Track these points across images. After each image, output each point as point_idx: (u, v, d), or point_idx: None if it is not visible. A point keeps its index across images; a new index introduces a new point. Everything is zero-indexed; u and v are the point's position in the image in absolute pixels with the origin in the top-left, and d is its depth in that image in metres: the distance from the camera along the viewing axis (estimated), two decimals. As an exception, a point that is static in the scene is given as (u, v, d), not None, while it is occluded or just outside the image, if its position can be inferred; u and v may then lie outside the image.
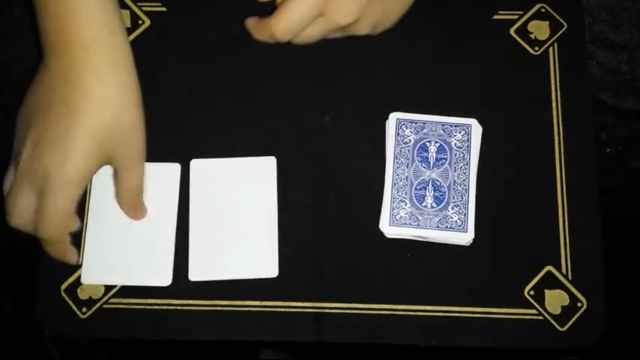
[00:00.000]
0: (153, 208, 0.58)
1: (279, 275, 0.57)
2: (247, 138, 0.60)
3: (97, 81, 0.50)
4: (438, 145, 0.56)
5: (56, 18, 0.49)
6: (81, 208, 0.58)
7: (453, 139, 0.57)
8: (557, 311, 0.56)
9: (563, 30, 0.63)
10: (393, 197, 0.56)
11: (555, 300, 0.57)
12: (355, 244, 0.58)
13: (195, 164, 0.59)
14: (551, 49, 0.62)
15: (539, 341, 0.56)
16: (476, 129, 0.57)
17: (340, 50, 0.61)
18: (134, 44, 0.62)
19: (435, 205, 0.56)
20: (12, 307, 0.61)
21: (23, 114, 0.54)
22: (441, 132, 0.57)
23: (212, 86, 0.62)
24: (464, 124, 0.57)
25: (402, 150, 0.57)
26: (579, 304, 0.57)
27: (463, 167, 0.56)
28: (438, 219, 0.55)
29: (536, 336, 0.56)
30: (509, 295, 0.57)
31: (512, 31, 0.63)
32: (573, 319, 0.56)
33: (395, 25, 0.59)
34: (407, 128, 0.57)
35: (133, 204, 0.56)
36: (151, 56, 0.62)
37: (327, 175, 0.59)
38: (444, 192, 0.56)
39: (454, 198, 0.56)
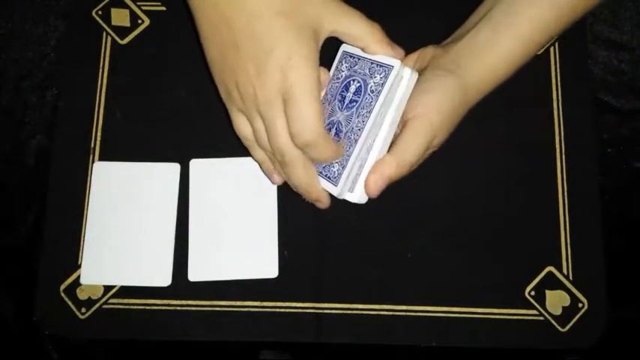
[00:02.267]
0: (152, 208, 0.58)
1: (278, 276, 0.57)
2: (247, 138, 0.60)
3: None
4: (358, 85, 0.48)
5: None
6: (80, 209, 0.58)
7: (371, 80, 0.47)
8: (558, 312, 0.56)
9: (563, 29, 0.63)
10: None
11: (556, 300, 0.56)
12: (355, 244, 0.58)
13: (195, 164, 0.59)
14: (552, 48, 0.62)
15: (540, 342, 0.56)
16: (397, 73, 0.46)
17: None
18: (134, 44, 0.63)
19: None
20: (12, 307, 0.60)
21: (218, 66, 0.49)
22: (367, 71, 0.48)
23: (212, 86, 0.62)
24: (385, 65, 0.47)
25: (333, 86, 0.50)
26: (580, 305, 0.56)
27: (365, 114, 0.47)
28: (322, 165, 0.49)
29: (537, 336, 0.56)
30: (509, 296, 0.57)
31: (512, 31, 0.63)
32: (574, 320, 0.56)
33: (395, 25, 0.59)
34: (345, 63, 0.50)
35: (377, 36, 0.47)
36: (151, 55, 0.62)
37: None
38: (340, 138, 0.48)
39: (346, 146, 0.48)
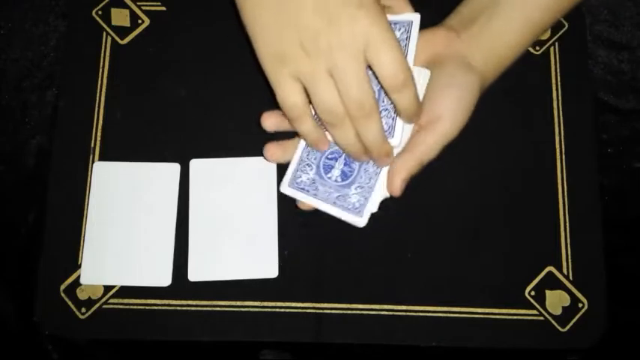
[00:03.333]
0: (152, 208, 0.58)
1: (278, 276, 0.57)
2: (247, 138, 0.60)
3: None
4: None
5: None
6: (80, 209, 0.58)
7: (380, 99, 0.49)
8: (558, 312, 0.56)
9: (564, 30, 0.63)
10: (301, 159, 0.51)
11: (556, 300, 0.56)
12: (355, 244, 0.58)
13: (195, 164, 0.59)
14: (552, 48, 0.62)
15: (540, 342, 0.56)
16: (417, 25, 0.48)
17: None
18: (133, 44, 0.63)
19: (339, 180, 0.50)
20: (12, 307, 0.60)
21: (271, 31, 0.46)
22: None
23: (212, 86, 0.62)
24: (405, 22, 0.48)
25: None
26: (580, 305, 0.56)
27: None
28: (337, 194, 0.50)
29: (537, 337, 0.56)
30: (509, 296, 0.57)
31: (512, 31, 0.63)
32: (574, 320, 0.56)
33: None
34: None
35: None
36: (151, 55, 0.62)
37: (327, 175, 0.59)
38: (354, 169, 0.50)
39: (361, 178, 0.50)
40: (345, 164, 0.50)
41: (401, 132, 0.48)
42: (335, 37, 0.44)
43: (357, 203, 0.49)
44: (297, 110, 0.47)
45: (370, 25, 0.43)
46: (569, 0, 0.52)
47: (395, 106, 0.47)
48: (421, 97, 0.49)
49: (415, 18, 0.48)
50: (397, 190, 0.50)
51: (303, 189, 0.51)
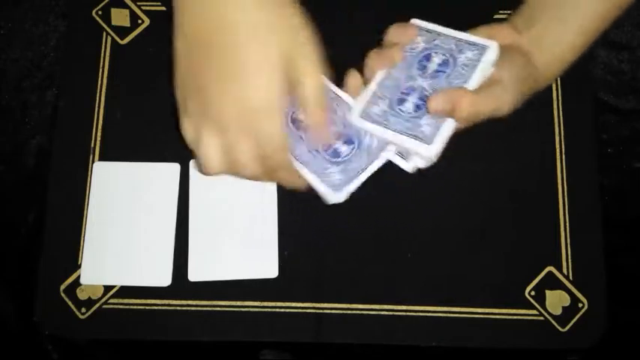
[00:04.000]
0: (152, 208, 0.58)
1: (278, 276, 0.57)
2: (247, 138, 0.60)
3: (247, 12, 0.45)
4: (443, 58, 0.51)
5: None
6: (81, 209, 0.58)
7: (462, 55, 0.51)
8: (558, 312, 0.56)
9: (564, 29, 0.63)
10: (373, 92, 0.51)
11: (556, 300, 0.56)
12: (355, 244, 0.58)
13: (195, 164, 0.59)
14: (551, 48, 0.62)
15: (540, 342, 0.56)
16: (492, 52, 0.50)
17: (340, 50, 0.61)
18: (133, 44, 0.63)
19: (411, 111, 0.50)
20: (12, 307, 0.60)
21: (182, 78, 0.50)
22: (452, 46, 0.51)
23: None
24: (480, 44, 0.51)
25: (406, 55, 0.52)
26: (580, 305, 0.56)
27: (459, 84, 0.50)
28: (408, 124, 0.50)
29: (537, 337, 0.56)
30: (509, 296, 0.57)
31: (512, 31, 0.63)
32: (574, 320, 0.56)
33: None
34: (421, 36, 0.53)
35: (315, 117, 0.49)
36: (151, 55, 0.62)
37: (327, 175, 0.59)
38: (425, 102, 0.50)
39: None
40: (418, 98, 0.50)
41: (441, 142, 0.49)
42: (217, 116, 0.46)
43: (429, 133, 0.49)
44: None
45: (250, 111, 0.45)
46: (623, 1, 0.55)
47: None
48: (483, 65, 0.50)
49: (493, 45, 0.50)
50: (434, 104, 0.49)
51: (374, 120, 0.50)
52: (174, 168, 0.59)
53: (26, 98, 0.63)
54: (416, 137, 0.49)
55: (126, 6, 0.64)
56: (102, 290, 0.57)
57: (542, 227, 0.58)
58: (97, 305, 0.56)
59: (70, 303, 0.56)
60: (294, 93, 0.47)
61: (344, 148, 0.51)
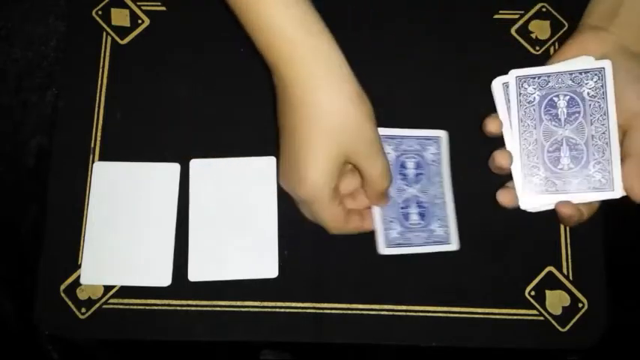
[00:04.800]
0: (152, 208, 0.58)
1: (278, 276, 0.57)
2: (247, 138, 0.60)
3: (316, 95, 0.48)
4: (567, 97, 0.49)
5: (257, 31, 0.49)
6: (80, 209, 0.58)
7: (584, 87, 0.49)
8: (558, 312, 0.56)
9: (564, 29, 0.63)
10: (524, 165, 0.50)
11: (556, 300, 0.56)
12: (355, 244, 0.58)
13: (195, 164, 0.59)
14: (552, 48, 0.62)
15: (540, 342, 0.56)
16: (610, 71, 0.49)
17: (341, 50, 0.61)
18: (133, 44, 0.63)
19: (573, 166, 0.49)
20: (12, 307, 0.60)
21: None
22: (570, 82, 0.49)
23: (212, 86, 0.62)
24: (595, 69, 0.49)
25: (527, 111, 0.50)
26: (580, 305, 0.56)
27: (600, 118, 0.48)
28: (578, 180, 0.49)
29: (537, 336, 0.56)
30: (509, 296, 0.57)
31: (513, 31, 0.63)
32: (574, 320, 0.56)
33: (397, 24, 0.59)
34: (529, 85, 0.51)
35: (377, 196, 0.53)
36: (151, 55, 0.62)
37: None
38: (582, 150, 0.49)
39: (594, 155, 0.49)
40: (570, 149, 0.50)
41: (620, 179, 0.50)
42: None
43: (604, 179, 0.49)
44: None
45: (303, 196, 0.51)
46: None
47: None
48: (611, 89, 0.49)
49: (607, 65, 0.49)
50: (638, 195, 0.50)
51: (543, 190, 0.51)
52: (174, 168, 0.59)
53: (26, 98, 0.63)
54: (595, 189, 0.50)
55: (126, 6, 0.64)
56: (102, 290, 0.57)
57: (542, 227, 0.58)
58: (97, 305, 0.56)
59: (70, 303, 0.56)
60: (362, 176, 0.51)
61: (414, 218, 0.55)
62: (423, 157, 0.54)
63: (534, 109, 0.50)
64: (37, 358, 0.60)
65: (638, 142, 0.49)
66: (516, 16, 0.63)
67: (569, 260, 0.57)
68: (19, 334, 0.60)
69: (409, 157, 0.55)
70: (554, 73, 0.50)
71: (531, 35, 0.63)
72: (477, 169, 0.59)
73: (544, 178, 0.50)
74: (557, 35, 0.62)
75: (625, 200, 0.51)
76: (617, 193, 0.49)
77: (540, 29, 0.63)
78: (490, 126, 0.54)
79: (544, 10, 0.63)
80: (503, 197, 0.54)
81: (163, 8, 0.64)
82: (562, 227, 0.58)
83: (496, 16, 0.63)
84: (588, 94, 0.49)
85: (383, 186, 0.52)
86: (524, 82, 0.51)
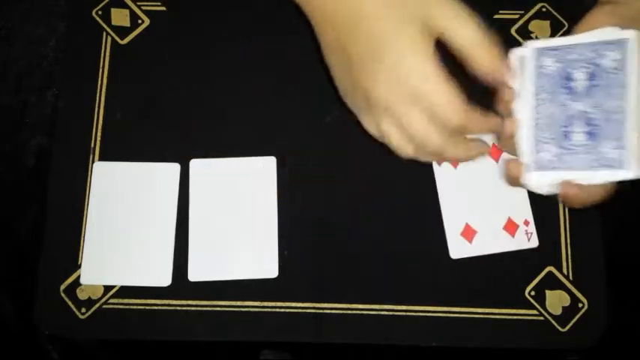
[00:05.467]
0: (152, 208, 0.58)
1: (278, 275, 0.57)
2: (247, 138, 0.60)
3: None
4: (588, 70, 0.45)
5: None
6: (80, 209, 0.58)
7: (604, 59, 0.45)
8: (558, 312, 0.56)
9: (564, 29, 0.63)
10: (536, 139, 0.46)
11: (556, 300, 0.56)
12: (355, 244, 0.58)
13: (195, 164, 0.59)
14: (551, 48, 0.62)
15: (540, 342, 0.56)
16: (633, 42, 0.45)
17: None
18: (133, 44, 0.63)
19: (587, 143, 0.45)
20: (12, 307, 0.60)
21: (342, 86, 0.49)
22: (591, 54, 0.46)
23: (212, 86, 0.62)
24: (617, 39, 0.45)
25: (543, 83, 0.47)
26: (580, 305, 0.56)
27: (619, 92, 0.45)
28: (591, 157, 0.45)
29: (537, 336, 0.56)
30: (509, 296, 0.57)
31: (513, 31, 0.63)
32: (574, 320, 0.56)
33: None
34: (547, 57, 0.47)
35: (483, 59, 0.45)
36: (151, 55, 0.62)
37: (327, 174, 0.59)
38: (598, 125, 0.45)
39: (610, 131, 0.45)
40: (586, 124, 0.45)
41: (637, 159, 0.45)
42: (408, 97, 0.44)
43: (617, 156, 0.45)
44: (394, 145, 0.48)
45: (429, 90, 0.44)
46: None
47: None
48: (632, 61, 0.45)
49: (630, 35, 0.45)
50: None
51: (554, 167, 0.46)
52: (174, 168, 0.59)
53: (26, 98, 0.63)
54: (607, 166, 0.45)
55: (126, 6, 0.64)
56: (102, 290, 0.57)
57: (542, 227, 0.58)
58: (97, 305, 0.56)
59: (70, 303, 0.56)
60: (454, 49, 0.44)
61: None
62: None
63: (551, 82, 0.47)
64: (37, 358, 0.60)
65: None
66: (516, 16, 0.63)
67: (569, 260, 0.57)
68: (19, 334, 0.60)
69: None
70: (574, 45, 0.46)
71: (531, 35, 0.63)
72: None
73: (555, 154, 0.46)
74: (557, 35, 0.62)
75: (625, 201, 0.51)
76: (631, 172, 0.44)
77: (540, 29, 0.63)
78: (504, 96, 0.48)
79: (544, 10, 0.63)
80: (512, 168, 0.48)
81: (163, 8, 0.64)
82: (562, 227, 0.58)
83: (496, 16, 0.63)
84: (609, 65, 0.45)
85: (481, 57, 0.44)
86: (542, 54, 0.47)
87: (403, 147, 0.47)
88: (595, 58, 0.45)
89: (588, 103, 0.45)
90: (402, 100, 0.45)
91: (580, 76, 0.46)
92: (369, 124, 0.48)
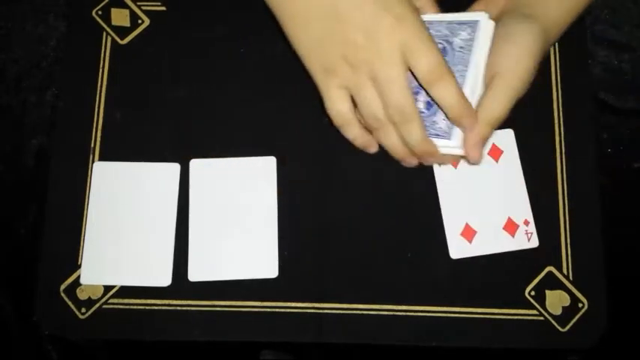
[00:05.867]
0: (152, 208, 0.58)
1: (279, 276, 0.57)
2: (247, 138, 0.60)
3: None
4: (441, 47, 0.50)
5: None
6: (80, 209, 0.58)
7: (456, 38, 0.50)
8: (558, 312, 0.56)
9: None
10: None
11: (556, 300, 0.56)
12: (355, 244, 0.58)
13: (195, 164, 0.59)
14: (552, 48, 0.62)
15: (540, 342, 0.56)
16: (485, 25, 0.50)
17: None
18: (133, 44, 0.63)
19: (424, 111, 0.51)
20: (11, 307, 0.60)
21: (318, 47, 0.51)
22: (445, 32, 0.51)
23: (212, 86, 0.62)
24: (470, 20, 0.50)
25: None
26: (580, 305, 0.56)
27: (461, 69, 0.50)
28: (426, 125, 0.50)
29: (537, 337, 0.56)
30: (509, 296, 0.57)
31: (512, 31, 0.63)
32: (574, 320, 0.56)
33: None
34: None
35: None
36: (151, 55, 0.62)
37: (326, 174, 0.59)
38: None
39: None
40: (427, 94, 0.49)
41: (459, 134, 0.50)
42: (375, 50, 0.47)
43: (446, 127, 0.50)
44: (341, 118, 0.52)
45: (407, 34, 0.47)
46: None
47: (438, 105, 0.49)
48: (487, 51, 0.50)
49: (482, 17, 0.49)
50: (476, 158, 0.50)
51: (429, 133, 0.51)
52: (174, 168, 0.59)
53: (26, 98, 0.63)
54: (437, 135, 0.50)
55: (126, 6, 0.64)
56: (102, 290, 0.57)
57: (542, 227, 0.58)
58: (97, 305, 0.56)
59: (69, 303, 0.56)
60: None
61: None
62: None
63: None
64: (37, 358, 0.60)
65: (482, 103, 0.49)
66: (516, 16, 0.63)
67: (570, 260, 0.57)
68: (19, 334, 0.60)
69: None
70: (438, 22, 0.51)
71: (531, 35, 0.63)
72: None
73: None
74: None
75: (625, 201, 0.51)
76: (454, 142, 0.50)
77: (540, 29, 0.63)
78: None
79: (544, 10, 0.63)
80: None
81: (163, 8, 0.64)
82: (562, 227, 0.58)
83: (496, 16, 0.63)
84: (459, 45, 0.50)
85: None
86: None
87: (343, 112, 0.51)
88: (449, 35, 0.50)
89: None
90: (393, 54, 0.47)
91: None
92: (328, 83, 0.51)
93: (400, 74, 0.48)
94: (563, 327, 0.56)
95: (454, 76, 0.48)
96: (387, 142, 0.52)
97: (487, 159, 0.58)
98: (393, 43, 0.47)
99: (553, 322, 0.56)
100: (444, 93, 0.48)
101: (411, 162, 0.54)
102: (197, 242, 0.57)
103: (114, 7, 0.64)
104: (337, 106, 0.51)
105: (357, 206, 0.58)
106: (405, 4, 0.47)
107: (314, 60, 0.51)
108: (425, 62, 0.47)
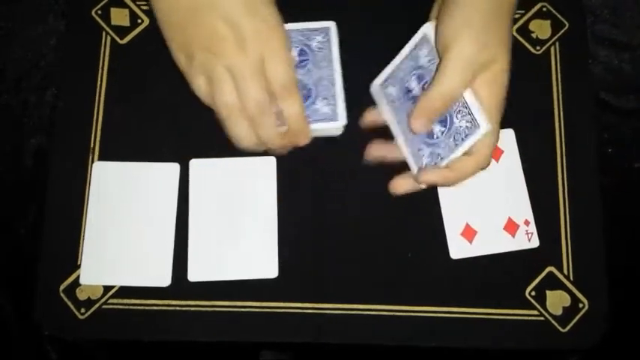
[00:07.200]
0: (152, 208, 0.58)
1: (278, 276, 0.57)
2: (247, 138, 0.60)
3: None
4: (298, 49, 0.57)
5: None
6: (80, 209, 0.58)
7: (312, 41, 0.57)
8: (559, 312, 0.56)
9: (564, 29, 0.63)
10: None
11: (557, 301, 0.56)
12: (355, 244, 0.58)
13: (195, 164, 0.59)
14: (552, 48, 0.62)
15: (541, 342, 0.56)
16: (334, 31, 0.58)
17: (341, 52, 0.61)
18: (133, 43, 0.63)
19: (304, 101, 0.56)
20: (11, 307, 0.60)
21: (179, 35, 0.52)
22: (300, 37, 0.57)
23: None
24: (323, 28, 0.58)
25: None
26: (581, 305, 0.56)
27: (328, 65, 0.57)
28: (308, 112, 0.55)
29: (538, 337, 0.56)
30: (510, 296, 0.56)
31: (514, 31, 0.63)
32: (575, 320, 0.56)
33: (396, 25, 0.59)
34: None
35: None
36: (150, 55, 0.62)
37: (326, 175, 0.59)
38: (311, 89, 0.56)
39: (322, 92, 0.56)
40: (301, 89, 0.55)
41: (344, 113, 0.56)
42: (238, 45, 0.49)
43: (330, 111, 0.56)
44: (202, 98, 0.53)
45: (268, 38, 0.50)
46: None
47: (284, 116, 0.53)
48: (334, 43, 0.57)
49: (332, 25, 0.57)
50: (417, 125, 0.52)
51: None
52: (174, 168, 0.59)
53: (25, 98, 0.63)
54: (322, 120, 0.56)
55: (125, 5, 0.64)
56: (101, 290, 0.57)
57: (542, 227, 0.58)
58: (97, 305, 0.56)
59: (69, 303, 0.56)
60: None
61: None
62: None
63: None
64: (37, 358, 0.60)
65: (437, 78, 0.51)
66: (517, 16, 0.63)
67: (570, 260, 0.57)
68: (18, 334, 0.60)
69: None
70: (292, 30, 0.57)
71: (532, 35, 0.63)
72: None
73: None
74: (558, 35, 0.62)
75: (626, 201, 0.51)
76: (340, 122, 0.55)
77: (541, 29, 0.63)
78: None
79: (544, 9, 0.63)
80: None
81: (163, 8, 0.64)
82: (562, 227, 0.58)
83: (496, 16, 0.63)
84: (316, 46, 0.57)
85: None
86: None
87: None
88: (304, 40, 0.57)
89: (300, 73, 0.56)
90: (246, 50, 0.49)
91: (294, 54, 0.56)
92: (190, 68, 0.52)
93: (257, 72, 0.50)
94: (563, 327, 0.56)
95: (299, 98, 0.52)
96: (235, 132, 0.53)
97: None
98: (255, 45, 0.49)
99: (553, 322, 0.56)
100: (291, 109, 0.52)
101: (258, 150, 0.55)
102: (197, 242, 0.57)
103: (113, 7, 0.64)
104: (200, 91, 0.53)
105: (357, 206, 0.58)
106: (274, 12, 0.50)
107: (179, 43, 0.52)
108: (280, 76, 0.50)
